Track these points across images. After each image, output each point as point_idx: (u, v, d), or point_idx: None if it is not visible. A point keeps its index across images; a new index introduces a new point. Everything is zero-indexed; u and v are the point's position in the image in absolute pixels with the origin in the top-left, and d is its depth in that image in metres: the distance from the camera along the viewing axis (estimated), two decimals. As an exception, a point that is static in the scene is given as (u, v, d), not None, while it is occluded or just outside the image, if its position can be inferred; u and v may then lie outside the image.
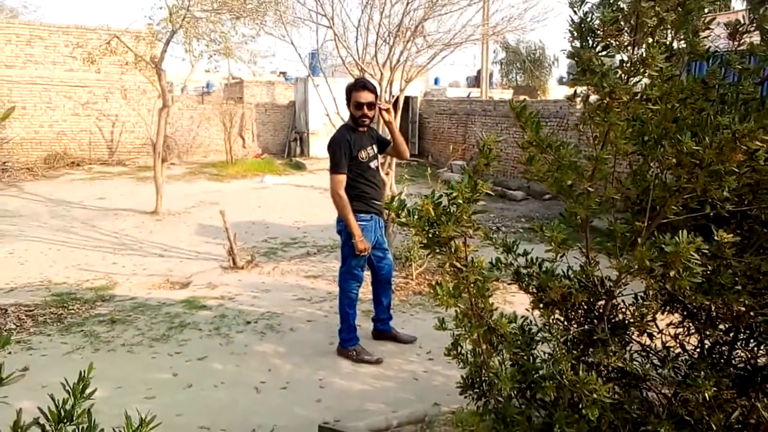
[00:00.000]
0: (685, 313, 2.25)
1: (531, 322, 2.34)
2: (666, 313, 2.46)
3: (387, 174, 5.77)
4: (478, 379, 2.38)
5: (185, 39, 9.71)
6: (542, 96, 28.86)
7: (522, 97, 22.63)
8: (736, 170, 1.52)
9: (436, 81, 27.41)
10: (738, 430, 2.01)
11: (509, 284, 2.86)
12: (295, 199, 11.74)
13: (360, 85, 3.92)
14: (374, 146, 4.07)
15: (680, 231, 1.50)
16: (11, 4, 31.50)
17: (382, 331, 4.38)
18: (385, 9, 5.74)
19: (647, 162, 2.02)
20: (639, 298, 2.21)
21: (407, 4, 5.66)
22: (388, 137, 4.26)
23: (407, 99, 18.76)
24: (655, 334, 2.46)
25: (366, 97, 3.86)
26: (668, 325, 2.55)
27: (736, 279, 1.76)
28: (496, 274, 1.96)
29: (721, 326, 2.07)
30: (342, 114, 6.71)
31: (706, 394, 1.65)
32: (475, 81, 26.51)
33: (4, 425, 1.52)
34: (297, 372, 3.87)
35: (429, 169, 8.33)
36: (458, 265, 1.68)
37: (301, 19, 6.75)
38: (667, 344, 2.57)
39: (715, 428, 1.69)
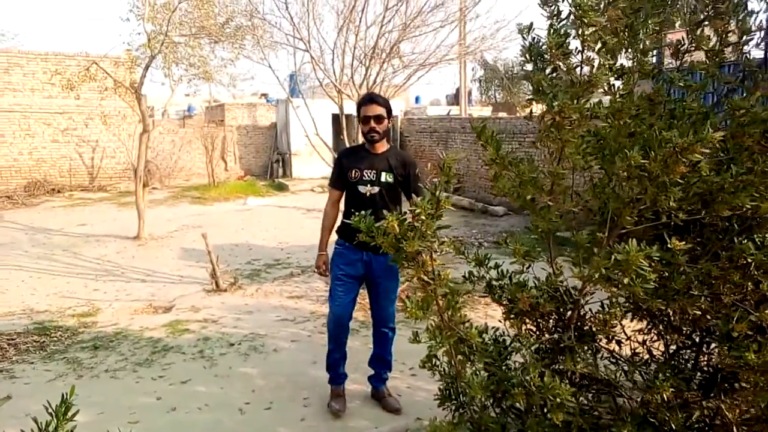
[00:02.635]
0: (648, 319, 2.35)
1: (504, 333, 2.43)
2: (634, 320, 2.56)
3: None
4: (454, 391, 2.45)
5: (164, 64, 9.78)
6: (521, 112, 29.25)
7: (501, 114, 22.98)
8: (681, 181, 1.62)
9: (417, 99, 27.67)
10: (702, 430, 2.10)
11: (481, 296, 2.93)
12: (279, 220, 11.78)
13: (367, 98, 3.61)
14: (386, 174, 3.56)
15: (630, 240, 1.59)
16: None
17: (372, 387, 3.86)
18: (360, 32, 5.86)
19: (607, 175, 2.13)
20: (604, 306, 2.30)
21: (381, 27, 5.79)
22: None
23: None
24: (623, 341, 2.55)
25: (373, 110, 3.50)
26: (636, 331, 2.65)
27: (691, 284, 1.85)
28: (465, 287, 2.04)
29: (684, 331, 2.16)
30: (321, 135, 6.83)
31: (665, 395, 1.74)
32: (455, 99, 26.83)
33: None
34: (281, 392, 3.90)
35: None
36: (425, 278, 1.76)
37: (278, 42, 6.86)
38: (636, 350, 2.67)
39: (674, 428, 1.77)
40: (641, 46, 2.03)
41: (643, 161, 1.64)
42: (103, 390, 3.91)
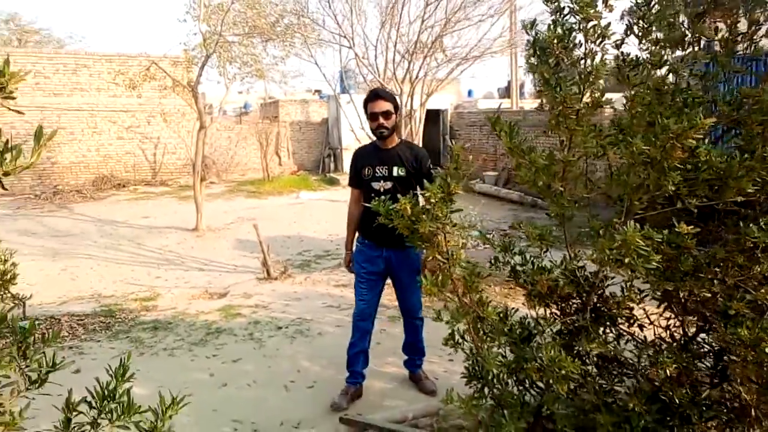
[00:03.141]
0: (666, 302, 2.41)
1: (527, 316, 2.55)
2: (659, 306, 2.63)
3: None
4: (479, 369, 2.59)
5: (219, 63, 10.18)
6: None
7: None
8: (680, 166, 1.71)
9: (470, 93, 27.45)
10: (720, 412, 2.16)
11: (506, 281, 3.03)
12: (329, 213, 12.09)
13: (373, 95, 3.60)
14: (398, 168, 3.59)
15: (629, 223, 1.70)
16: (58, 35, 33.17)
17: (409, 371, 4.01)
18: (402, 27, 6.00)
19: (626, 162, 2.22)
20: (623, 289, 2.39)
21: (422, 22, 5.92)
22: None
23: (437, 112, 19.01)
24: (646, 325, 2.63)
25: (380, 106, 3.51)
26: (660, 316, 2.71)
27: (698, 267, 1.93)
28: (484, 269, 2.17)
29: (696, 313, 2.23)
30: (366, 129, 7.01)
31: (668, 371, 1.83)
32: (506, 91, 26.53)
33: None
34: (323, 372, 4.12)
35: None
36: (440, 258, 1.91)
37: (324, 41, 7.08)
38: (660, 335, 2.74)
39: (680, 403, 1.86)
40: (655, 37, 2.12)
41: (644, 148, 1.74)
42: (161, 366, 4.23)
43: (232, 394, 3.81)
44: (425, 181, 3.47)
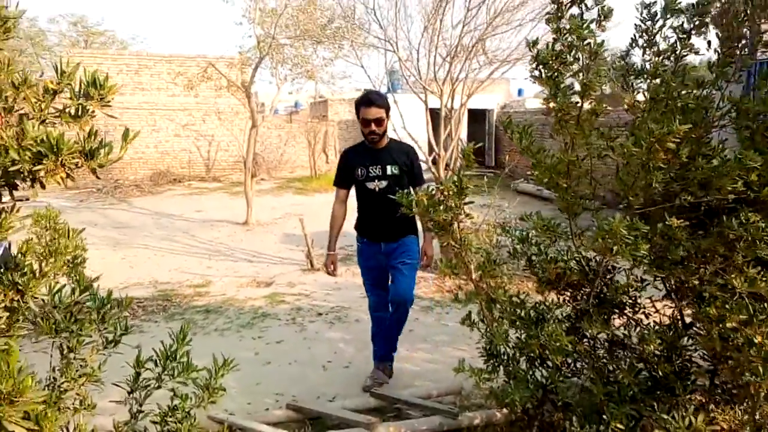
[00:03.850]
0: (666, 290, 2.62)
1: (540, 302, 2.79)
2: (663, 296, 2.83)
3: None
4: (494, 348, 2.86)
5: (272, 64, 10.66)
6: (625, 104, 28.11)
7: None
8: (663, 166, 1.94)
9: (520, 92, 27.31)
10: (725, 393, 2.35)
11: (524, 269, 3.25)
12: (373, 209, 12.44)
13: (366, 101, 3.58)
14: (391, 167, 3.65)
15: (616, 215, 1.94)
16: (122, 37, 34.73)
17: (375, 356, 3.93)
18: (444, 32, 6.27)
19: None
20: (628, 277, 2.62)
21: (463, 27, 6.17)
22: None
23: (484, 112, 19.12)
24: (651, 313, 2.83)
25: (372, 113, 3.54)
26: (665, 305, 2.91)
27: (686, 257, 2.15)
28: (493, 256, 2.43)
29: (688, 299, 2.43)
30: (415, 128, 7.31)
31: (653, 346, 2.06)
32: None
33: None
34: (358, 355, 4.44)
35: (497, 179, 8.73)
36: (453, 244, 2.19)
37: (370, 45, 7.41)
38: (663, 322, 2.94)
39: (661, 374, 2.09)
40: (656, 49, 2.34)
41: (634, 149, 1.98)
42: (212, 345, 4.64)
43: (275, 371, 4.17)
44: (417, 185, 3.58)
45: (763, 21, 2.41)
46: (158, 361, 2.43)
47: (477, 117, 18.99)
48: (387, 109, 3.63)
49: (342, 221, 3.93)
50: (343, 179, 3.83)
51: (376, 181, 3.67)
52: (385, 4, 6.82)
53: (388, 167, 3.65)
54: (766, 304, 1.74)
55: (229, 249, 9.38)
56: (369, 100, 3.60)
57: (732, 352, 1.68)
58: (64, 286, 2.27)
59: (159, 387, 2.36)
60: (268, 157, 18.83)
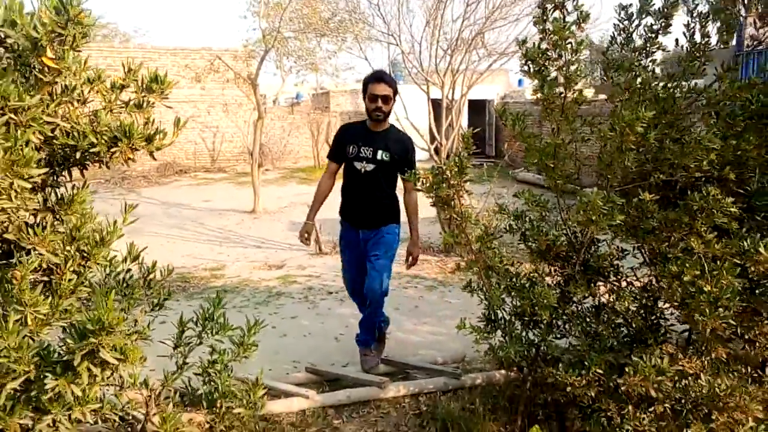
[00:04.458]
0: (645, 260, 2.96)
1: (534, 271, 3.13)
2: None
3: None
4: (492, 313, 3.20)
5: (277, 57, 10.97)
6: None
7: (602, 96, 22.68)
8: (634, 148, 2.27)
9: (520, 82, 27.43)
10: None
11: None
12: (376, 198, 12.79)
13: (376, 77, 3.61)
14: (383, 153, 3.62)
15: (593, 190, 2.28)
16: (124, 29, 34.91)
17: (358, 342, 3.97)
18: (445, 25, 6.58)
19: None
20: (610, 247, 2.96)
21: (463, 21, 6.49)
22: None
23: (484, 102, 19.41)
24: (634, 281, 3.17)
25: (382, 89, 3.54)
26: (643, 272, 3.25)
27: (656, 227, 2.48)
28: (490, 230, 2.76)
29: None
30: (410, 118, 7.62)
31: (627, 303, 2.40)
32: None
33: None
34: (368, 328, 4.79)
35: (496, 168, 9.06)
36: (456, 216, 2.53)
37: (373, 39, 7.72)
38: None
39: (636, 328, 2.43)
40: (632, 46, 2.67)
41: (609, 133, 2.31)
42: (232, 320, 4.98)
43: (291, 342, 4.53)
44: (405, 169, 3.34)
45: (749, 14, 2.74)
46: (198, 322, 2.79)
47: (477, 107, 19.28)
48: (395, 90, 3.63)
49: (327, 194, 3.91)
50: (336, 153, 3.81)
51: (364, 162, 3.64)
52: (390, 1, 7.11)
53: (380, 152, 3.62)
54: (718, 262, 2.08)
55: (239, 236, 9.73)
56: (379, 76, 3.63)
57: (687, 299, 2.01)
58: (116, 255, 2.62)
59: (200, 343, 2.72)
60: (272, 148, 19.14)
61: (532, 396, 3.15)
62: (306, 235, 3.90)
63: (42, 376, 1.79)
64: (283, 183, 15.75)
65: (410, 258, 3.86)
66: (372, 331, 3.91)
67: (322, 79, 15.24)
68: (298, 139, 19.89)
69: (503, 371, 3.51)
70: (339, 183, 3.96)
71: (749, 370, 2.49)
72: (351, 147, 3.68)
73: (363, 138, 3.67)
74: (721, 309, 1.89)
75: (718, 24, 2.50)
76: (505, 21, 6.74)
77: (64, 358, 1.76)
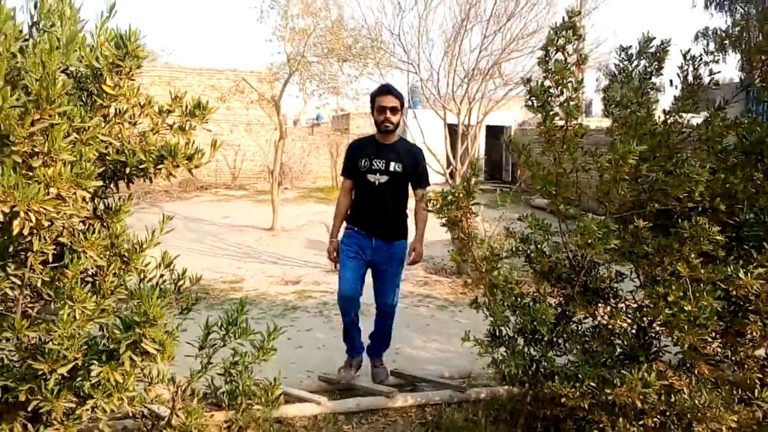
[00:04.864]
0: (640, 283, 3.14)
1: (536, 291, 3.32)
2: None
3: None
4: (497, 329, 3.39)
5: (300, 80, 11.33)
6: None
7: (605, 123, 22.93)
8: (627, 178, 2.48)
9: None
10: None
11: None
12: (392, 219, 13.02)
13: (384, 90, 3.73)
14: (395, 164, 3.70)
15: (588, 216, 2.48)
16: (151, 47, 35.82)
17: (369, 354, 4.15)
18: (461, 56, 6.86)
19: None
20: (608, 270, 3.15)
21: (480, 52, 6.76)
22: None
23: (502, 128, 19.65)
24: (631, 303, 3.35)
25: (389, 101, 3.64)
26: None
27: (650, 252, 2.67)
28: (497, 251, 2.96)
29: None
30: (427, 143, 7.88)
31: (619, 321, 2.59)
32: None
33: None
34: (379, 343, 4.98)
35: (509, 194, 9.26)
36: (462, 236, 2.74)
37: (393, 66, 8.03)
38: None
39: (628, 344, 2.61)
40: (634, 84, 2.89)
41: (606, 164, 2.53)
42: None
43: (306, 353, 4.74)
44: (419, 188, 3.71)
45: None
46: (222, 326, 3.02)
47: (495, 133, 19.51)
48: (402, 103, 3.73)
49: (345, 210, 3.97)
50: (349, 169, 3.86)
51: (378, 174, 3.70)
52: (409, 30, 7.41)
53: (392, 164, 3.70)
54: (701, 284, 2.26)
55: (257, 252, 9.99)
56: (386, 89, 3.75)
57: (670, 318, 2.19)
58: (150, 262, 2.87)
59: (224, 345, 2.94)
60: (292, 168, 19.51)
61: (532, 410, 3.32)
62: (334, 253, 4.00)
63: (88, 364, 2.02)
64: (301, 202, 16.05)
65: (413, 253, 3.92)
66: (383, 341, 4.08)
67: (343, 102, 15.61)
68: (318, 159, 20.25)
69: (506, 387, 3.67)
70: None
71: (740, 391, 2.65)
72: (363, 161, 3.73)
73: (374, 151, 3.74)
74: (699, 327, 2.08)
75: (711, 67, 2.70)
76: (520, 53, 7.03)
77: (110, 347, 2.00)
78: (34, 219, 1.65)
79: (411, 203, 3.88)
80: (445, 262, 8.03)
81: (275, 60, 12.42)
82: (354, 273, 3.89)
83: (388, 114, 3.64)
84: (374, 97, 3.74)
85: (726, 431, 2.11)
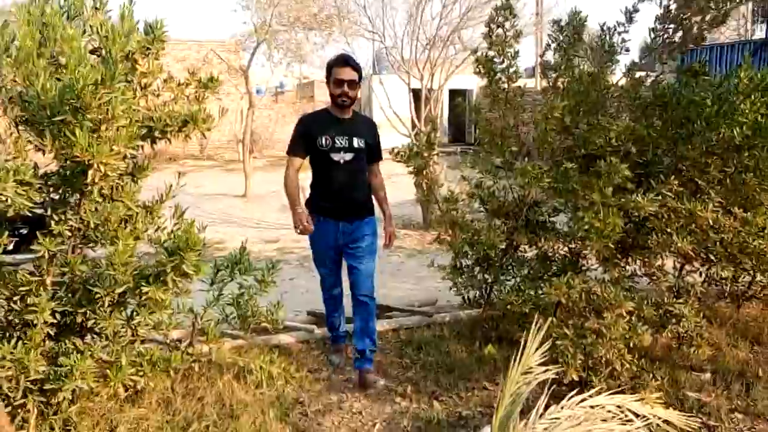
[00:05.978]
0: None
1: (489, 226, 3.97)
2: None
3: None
4: (458, 262, 4.05)
5: (267, 50, 11.68)
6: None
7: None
8: (555, 128, 3.12)
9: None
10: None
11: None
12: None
13: (342, 60, 3.42)
14: (358, 140, 3.45)
15: (527, 158, 3.12)
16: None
17: (359, 372, 3.57)
18: (423, 24, 7.39)
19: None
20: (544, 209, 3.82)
21: (440, 19, 7.30)
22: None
23: (464, 91, 20.24)
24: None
25: (348, 74, 3.35)
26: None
27: (576, 187, 3.33)
28: (455, 195, 3.58)
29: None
30: (393, 107, 8.44)
31: (551, 243, 3.25)
32: (533, 71, 27.48)
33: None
34: (357, 287, 5.63)
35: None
36: (426, 181, 3.35)
37: (357, 34, 8.51)
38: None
39: (560, 263, 3.29)
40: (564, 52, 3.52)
41: (538, 117, 3.15)
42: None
43: (292, 297, 5.35)
44: (375, 163, 3.53)
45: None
46: (228, 264, 3.60)
47: (457, 97, 20.08)
48: (360, 75, 3.45)
49: (298, 185, 3.64)
50: (305, 147, 3.54)
51: (342, 152, 3.45)
52: (374, 1, 7.84)
53: (356, 140, 3.46)
54: (611, 210, 2.93)
55: (234, 218, 10.48)
56: (345, 60, 3.44)
57: (584, 233, 2.87)
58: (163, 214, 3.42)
59: (231, 280, 3.52)
60: (261, 136, 19.82)
61: (488, 326, 4.01)
62: (305, 219, 3.53)
63: (139, 286, 2.59)
64: (271, 170, 16.45)
65: (389, 237, 3.70)
66: (370, 336, 3.63)
67: (308, 70, 15.95)
68: (285, 128, 20.55)
69: (466, 311, 4.35)
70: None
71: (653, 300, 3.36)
72: (324, 138, 3.43)
73: (335, 128, 3.46)
74: (605, 238, 2.75)
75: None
76: (477, 21, 7.58)
77: (157, 271, 2.56)
78: (103, 170, 2.18)
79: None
80: (413, 218, 8.69)
81: (241, 30, 12.70)
82: (331, 261, 3.73)
83: (346, 88, 3.36)
84: (330, 67, 3.44)
85: (626, 314, 2.79)
